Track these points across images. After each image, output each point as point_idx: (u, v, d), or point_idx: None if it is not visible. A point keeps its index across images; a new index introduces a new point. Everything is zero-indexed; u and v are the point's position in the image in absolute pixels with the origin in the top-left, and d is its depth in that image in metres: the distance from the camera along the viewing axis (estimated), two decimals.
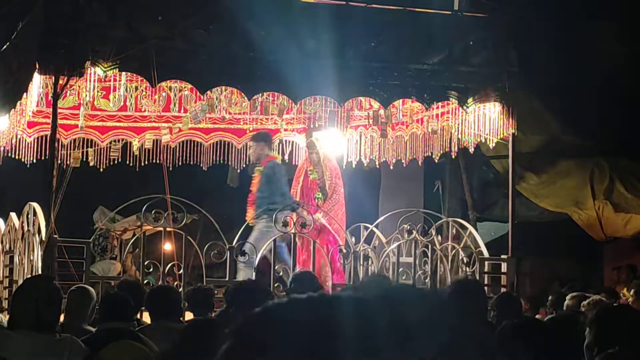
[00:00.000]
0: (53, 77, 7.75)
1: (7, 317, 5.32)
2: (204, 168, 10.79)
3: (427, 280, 9.00)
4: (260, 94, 8.90)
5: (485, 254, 8.95)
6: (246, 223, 9.06)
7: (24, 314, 4.21)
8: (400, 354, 1.05)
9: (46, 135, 9.27)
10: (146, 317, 6.27)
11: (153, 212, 8.51)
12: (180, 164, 10.59)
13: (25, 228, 8.22)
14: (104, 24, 7.79)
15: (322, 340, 1.05)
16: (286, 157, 11.05)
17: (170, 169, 10.38)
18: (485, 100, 8.88)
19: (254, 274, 8.38)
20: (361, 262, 9.23)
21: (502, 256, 8.97)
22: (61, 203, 7.81)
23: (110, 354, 3.38)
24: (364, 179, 12.10)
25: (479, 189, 12.91)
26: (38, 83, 7.96)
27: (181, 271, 8.25)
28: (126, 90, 9.22)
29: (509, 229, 9.23)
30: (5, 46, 8.15)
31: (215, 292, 7.12)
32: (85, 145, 10.28)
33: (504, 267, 8.88)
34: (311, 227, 8.80)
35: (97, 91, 8.99)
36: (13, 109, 8.20)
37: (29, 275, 7.64)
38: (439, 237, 9.35)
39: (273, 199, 9.21)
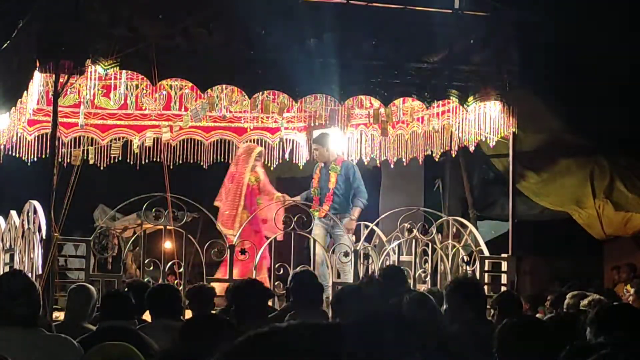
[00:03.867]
0: (53, 76, 7.74)
1: None
2: (204, 166, 10.79)
3: (427, 279, 9.00)
4: (261, 93, 8.89)
5: (486, 252, 8.95)
6: (248, 219, 9.14)
7: None
8: None
9: (47, 134, 9.27)
10: (147, 316, 6.27)
11: (153, 210, 8.51)
12: (180, 162, 10.60)
13: (26, 226, 8.22)
14: (104, 23, 7.78)
15: None
16: (286, 155, 11.05)
17: (171, 167, 10.37)
18: (486, 99, 8.86)
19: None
20: (361, 261, 9.24)
21: (503, 255, 8.96)
22: (69, 202, 7.80)
23: (94, 354, 3.46)
24: (364, 177, 12.08)
25: (480, 188, 12.90)
26: (38, 81, 7.95)
27: (181, 269, 8.26)
28: (127, 88, 9.21)
29: (509, 228, 9.22)
30: (5, 44, 8.15)
31: (215, 290, 7.13)
32: (85, 144, 10.28)
33: (504, 265, 8.87)
34: None
35: (98, 89, 8.99)
36: (14, 107, 8.20)
37: (30, 273, 7.65)
38: (439, 236, 9.34)
39: (348, 197, 9.94)
